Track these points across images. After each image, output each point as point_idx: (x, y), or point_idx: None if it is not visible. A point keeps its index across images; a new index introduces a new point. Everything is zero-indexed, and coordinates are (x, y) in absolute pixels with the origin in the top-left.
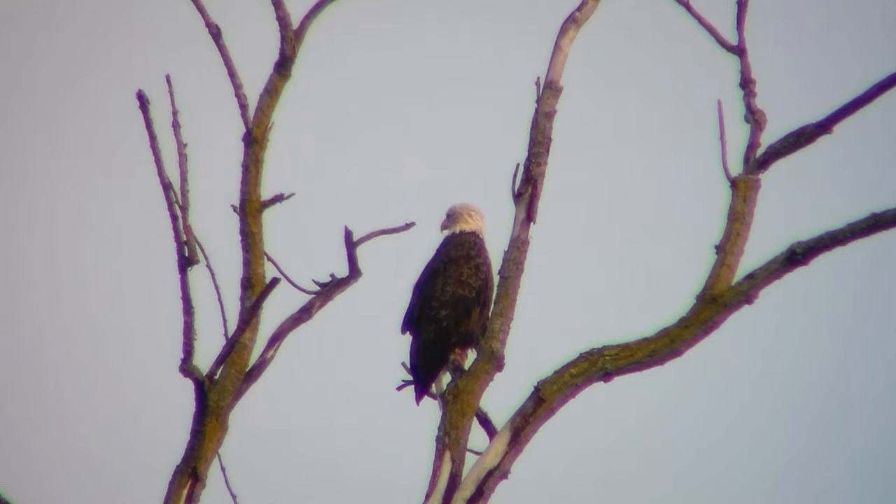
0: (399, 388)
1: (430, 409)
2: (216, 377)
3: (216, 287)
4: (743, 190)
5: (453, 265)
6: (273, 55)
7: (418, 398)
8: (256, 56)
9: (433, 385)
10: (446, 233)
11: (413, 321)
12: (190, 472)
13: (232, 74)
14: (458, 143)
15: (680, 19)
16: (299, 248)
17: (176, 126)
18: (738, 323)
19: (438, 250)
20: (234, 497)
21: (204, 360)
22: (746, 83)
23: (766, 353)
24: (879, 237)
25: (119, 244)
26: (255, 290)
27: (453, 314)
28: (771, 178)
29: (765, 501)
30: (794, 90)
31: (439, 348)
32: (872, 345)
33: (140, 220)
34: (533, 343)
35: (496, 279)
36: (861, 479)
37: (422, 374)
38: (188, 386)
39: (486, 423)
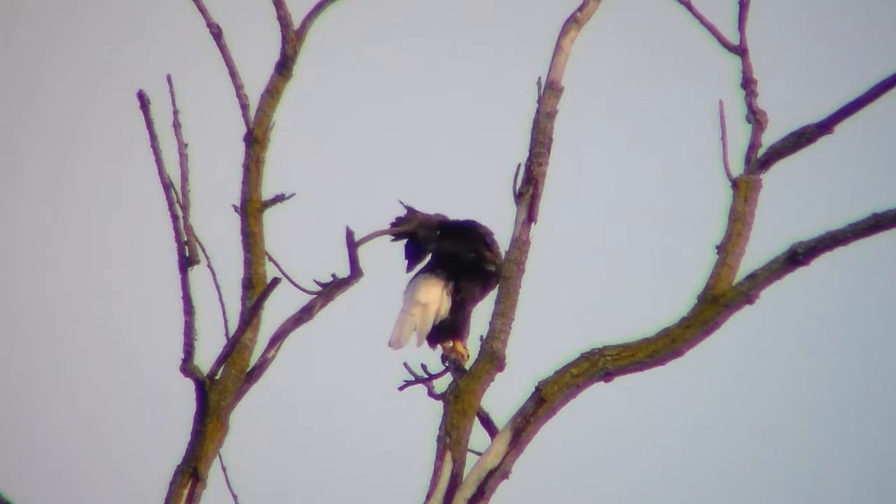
0: (401, 388)
1: (432, 410)
2: (217, 377)
3: (217, 287)
4: (744, 190)
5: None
6: (274, 55)
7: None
8: (257, 56)
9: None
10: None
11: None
12: (191, 472)
13: (233, 74)
14: (459, 143)
15: (681, 19)
16: (300, 248)
17: (176, 126)
18: (738, 323)
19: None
20: (234, 497)
21: (205, 360)
22: (748, 83)
23: (766, 354)
24: (880, 237)
25: (119, 244)
26: (256, 291)
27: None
28: (772, 178)
29: (765, 501)
30: (795, 90)
31: (472, 266)
32: (873, 345)
33: (141, 219)
34: (533, 343)
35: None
36: (861, 479)
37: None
38: (189, 386)
39: (487, 423)
